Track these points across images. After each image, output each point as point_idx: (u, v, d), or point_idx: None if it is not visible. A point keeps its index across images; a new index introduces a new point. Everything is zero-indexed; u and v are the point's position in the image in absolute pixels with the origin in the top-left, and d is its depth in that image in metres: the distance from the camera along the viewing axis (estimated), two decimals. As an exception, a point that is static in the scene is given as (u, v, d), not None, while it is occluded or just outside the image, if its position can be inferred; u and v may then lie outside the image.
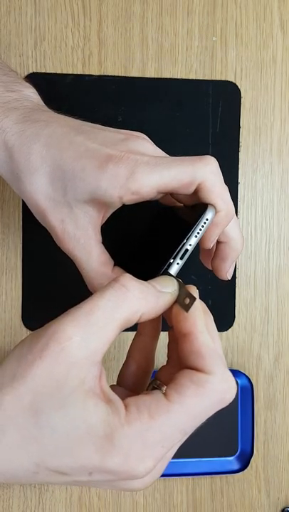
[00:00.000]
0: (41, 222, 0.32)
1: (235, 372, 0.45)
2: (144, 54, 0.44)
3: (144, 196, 0.29)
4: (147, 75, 0.44)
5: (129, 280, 0.25)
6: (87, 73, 0.43)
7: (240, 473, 0.46)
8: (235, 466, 0.46)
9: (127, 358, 0.30)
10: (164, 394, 0.25)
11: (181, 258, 0.30)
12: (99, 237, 0.32)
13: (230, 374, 0.25)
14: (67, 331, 0.24)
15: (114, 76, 0.43)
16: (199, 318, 0.26)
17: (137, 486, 0.25)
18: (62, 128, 0.31)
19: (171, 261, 0.29)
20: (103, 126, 0.33)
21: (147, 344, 0.30)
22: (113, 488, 0.26)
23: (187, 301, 0.27)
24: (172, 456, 0.27)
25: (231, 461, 0.46)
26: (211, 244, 0.32)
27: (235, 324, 0.46)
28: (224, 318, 0.45)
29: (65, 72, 0.43)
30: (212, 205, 0.30)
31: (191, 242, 0.30)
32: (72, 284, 0.44)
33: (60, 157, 0.30)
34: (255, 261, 0.46)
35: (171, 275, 0.29)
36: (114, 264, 0.33)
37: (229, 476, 0.46)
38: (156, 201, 0.33)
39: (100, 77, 0.43)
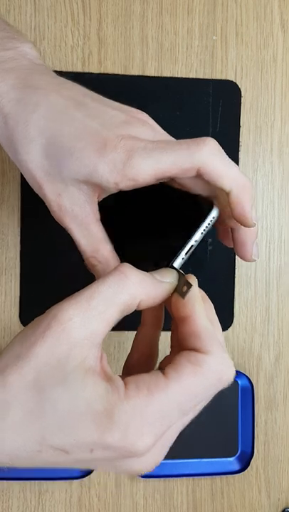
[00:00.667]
0: (37, 192, 0.32)
1: (236, 373, 0.45)
2: (144, 53, 0.44)
3: (142, 183, 0.29)
4: (147, 74, 0.44)
5: (128, 268, 0.26)
6: (87, 72, 0.43)
7: (241, 473, 0.45)
8: (236, 466, 0.45)
9: (131, 349, 0.31)
10: (163, 372, 0.25)
11: (186, 253, 0.30)
12: (97, 215, 0.32)
13: (228, 357, 0.26)
14: (68, 312, 0.25)
15: (114, 74, 0.43)
16: (197, 303, 0.27)
17: (137, 467, 0.26)
18: (63, 100, 0.30)
19: (177, 256, 0.30)
20: (106, 100, 0.31)
21: (150, 335, 0.31)
22: (115, 469, 0.26)
23: (185, 288, 0.27)
24: (174, 438, 0.27)
25: (232, 462, 0.46)
26: (250, 222, 0.30)
27: (235, 324, 0.46)
28: (223, 318, 0.45)
29: (64, 71, 0.43)
30: (210, 199, 0.30)
31: (196, 238, 0.30)
32: (71, 284, 0.44)
33: (59, 132, 0.29)
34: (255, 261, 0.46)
35: (174, 268, 0.29)
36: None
37: (229, 476, 0.46)
38: (160, 185, 0.33)
39: (100, 75, 0.43)
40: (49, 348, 0.24)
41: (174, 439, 0.27)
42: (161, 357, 0.45)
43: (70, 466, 0.26)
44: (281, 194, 0.46)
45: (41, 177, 0.31)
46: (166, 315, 0.45)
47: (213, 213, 0.30)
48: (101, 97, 0.32)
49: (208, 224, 0.31)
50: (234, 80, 0.44)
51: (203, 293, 0.29)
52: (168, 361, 0.27)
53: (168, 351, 0.44)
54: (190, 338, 0.26)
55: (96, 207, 0.32)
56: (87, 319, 0.25)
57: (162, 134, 0.32)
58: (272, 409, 0.46)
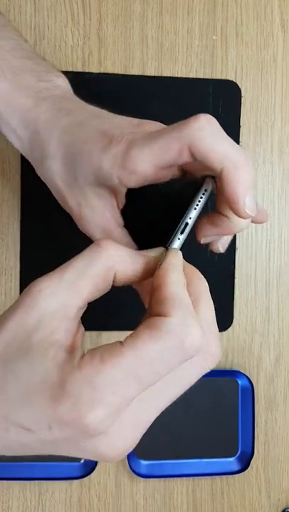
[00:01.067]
0: (63, 206, 0.33)
1: (236, 373, 0.45)
2: (144, 53, 0.44)
3: (143, 175, 0.28)
4: (147, 74, 0.44)
5: (106, 241, 0.26)
6: (87, 72, 0.43)
7: (241, 474, 0.45)
8: (236, 466, 0.45)
9: None
10: (121, 341, 0.24)
11: (181, 232, 0.29)
12: (119, 221, 0.32)
13: (194, 320, 0.23)
14: (39, 285, 0.24)
15: (114, 74, 0.43)
16: (171, 270, 0.26)
17: (103, 448, 0.24)
18: (82, 115, 0.32)
19: (172, 236, 0.29)
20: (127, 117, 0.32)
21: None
22: (81, 453, 0.24)
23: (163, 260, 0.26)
24: (150, 419, 0.26)
25: (232, 462, 0.46)
26: (241, 210, 0.27)
27: (235, 324, 0.46)
28: (223, 318, 0.45)
29: (64, 71, 0.43)
30: (210, 175, 0.29)
31: (191, 215, 0.29)
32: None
33: (73, 141, 0.30)
34: (255, 261, 0.46)
35: (166, 247, 0.28)
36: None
37: (229, 476, 0.46)
38: (175, 182, 0.32)
39: (100, 75, 0.43)
40: (18, 321, 0.24)
41: (149, 419, 0.26)
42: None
43: (39, 450, 0.24)
44: (281, 194, 0.46)
45: (63, 188, 0.32)
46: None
47: (205, 186, 0.29)
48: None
49: (201, 197, 0.29)
50: (234, 80, 0.44)
51: (195, 270, 0.28)
52: None
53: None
54: (156, 305, 0.25)
55: (117, 213, 0.32)
56: (58, 291, 0.24)
57: None
58: (272, 409, 0.46)
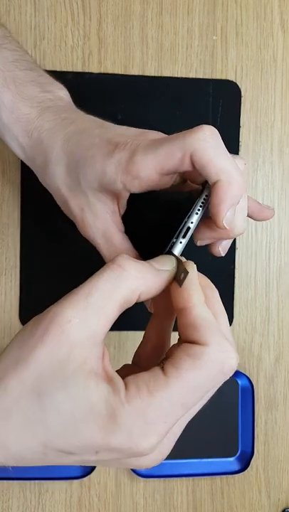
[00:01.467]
0: (65, 212, 0.33)
1: (236, 373, 0.45)
2: (144, 53, 0.44)
3: (146, 180, 0.28)
4: (147, 74, 0.44)
5: (126, 260, 0.26)
6: (87, 72, 0.43)
7: (241, 473, 0.45)
8: (236, 466, 0.45)
9: (143, 338, 0.31)
10: (162, 369, 0.25)
11: (183, 237, 0.29)
12: (120, 227, 0.33)
13: (229, 344, 0.25)
14: (67, 313, 0.24)
15: (114, 74, 0.43)
16: (194, 291, 0.26)
17: (146, 462, 0.26)
18: (85, 123, 0.32)
19: (174, 240, 0.29)
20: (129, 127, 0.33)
21: (162, 325, 0.30)
22: (123, 466, 0.26)
23: (182, 276, 0.26)
24: (181, 431, 0.27)
25: (232, 462, 0.46)
26: (220, 221, 0.28)
27: (235, 324, 0.46)
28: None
29: (64, 71, 0.43)
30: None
31: (193, 219, 0.29)
32: (70, 284, 0.44)
33: (77, 148, 0.31)
34: (255, 261, 0.46)
35: (173, 254, 0.29)
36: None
37: (229, 476, 0.46)
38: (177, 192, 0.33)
39: (100, 75, 0.43)
40: (49, 352, 0.24)
41: (180, 432, 0.27)
42: (161, 357, 0.45)
43: (77, 464, 0.26)
44: (281, 194, 0.46)
45: (66, 193, 0.32)
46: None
47: (206, 191, 0.30)
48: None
49: (203, 203, 0.30)
50: (234, 80, 0.44)
51: (206, 279, 0.28)
52: (170, 353, 0.26)
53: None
54: (188, 329, 0.26)
55: (118, 218, 0.32)
56: (87, 318, 0.24)
57: None
58: (272, 409, 0.46)
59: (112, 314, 0.25)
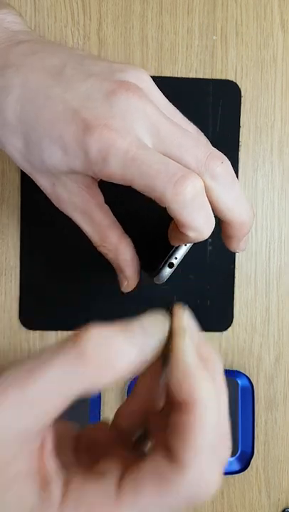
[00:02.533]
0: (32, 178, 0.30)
1: (236, 373, 0.45)
2: (144, 53, 0.44)
3: (123, 184, 0.26)
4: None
5: (90, 343, 0.20)
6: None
7: (241, 474, 0.45)
8: (236, 466, 0.45)
9: (131, 394, 0.25)
10: (119, 486, 0.19)
11: (169, 267, 0.29)
12: (99, 199, 0.30)
13: (212, 467, 0.19)
14: None
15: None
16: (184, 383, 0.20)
17: None
18: (38, 74, 0.26)
19: (161, 267, 0.29)
20: (89, 61, 0.28)
21: (150, 383, 0.24)
22: None
23: (166, 358, 0.21)
24: None
25: (232, 462, 0.46)
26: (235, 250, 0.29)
27: (235, 324, 0.46)
28: (223, 318, 0.45)
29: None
30: None
31: (178, 255, 0.30)
32: (70, 285, 0.44)
33: (36, 118, 0.26)
34: (255, 261, 0.46)
35: (168, 310, 0.24)
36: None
37: (229, 476, 0.46)
38: None
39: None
40: None
41: None
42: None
43: None
44: (281, 194, 0.46)
45: (28, 168, 0.29)
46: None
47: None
48: (85, 57, 0.28)
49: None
50: (234, 80, 0.44)
51: (208, 348, 0.23)
52: (158, 419, 0.21)
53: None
54: (169, 434, 0.20)
55: (96, 190, 0.29)
56: (18, 416, 0.19)
57: (155, 110, 0.27)
58: (272, 409, 0.46)
59: (56, 410, 0.19)
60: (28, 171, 0.29)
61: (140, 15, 0.44)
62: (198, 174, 0.26)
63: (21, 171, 0.42)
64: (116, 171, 0.25)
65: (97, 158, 0.25)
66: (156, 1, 0.44)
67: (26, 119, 0.26)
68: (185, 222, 0.26)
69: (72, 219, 0.30)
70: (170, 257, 0.30)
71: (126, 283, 0.33)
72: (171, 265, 0.30)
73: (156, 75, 0.44)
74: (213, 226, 0.27)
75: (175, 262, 0.30)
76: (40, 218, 0.43)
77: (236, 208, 0.28)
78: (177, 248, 0.30)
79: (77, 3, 0.43)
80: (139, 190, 0.26)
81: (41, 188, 0.30)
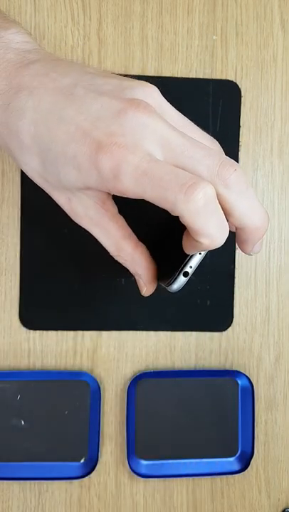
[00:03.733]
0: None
1: (236, 373, 0.45)
2: (144, 53, 0.44)
3: (135, 197, 0.27)
4: (147, 74, 0.44)
5: None
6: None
7: (241, 474, 0.45)
8: (236, 466, 0.45)
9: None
10: None
11: (184, 276, 0.30)
12: (113, 211, 0.31)
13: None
14: None
15: (113, 75, 0.43)
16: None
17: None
18: (50, 96, 0.27)
19: (175, 277, 0.30)
20: (99, 80, 0.28)
21: None
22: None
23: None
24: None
25: (232, 462, 0.46)
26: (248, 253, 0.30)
27: (235, 324, 0.46)
28: (223, 318, 0.45)
29: (64, 71, 0.43)
30: None
31: (192, 264, 0.30)
32: (70, 285, 0.44)
33: (50, 138, 0.27)
34: (255, 261, 0.46)
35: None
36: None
37: (229, 476, 0.46)
38: None
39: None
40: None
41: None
42: (162, 358, 0.45)
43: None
44: (281, 194, 0.46)
45: (45, 186, 0.30)
46: (158, 314, 0.45)
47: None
48: (96, 75, 0.29)
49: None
50: (234, 80, 0.44)
51: None
52: None
53: (168, 351, 0.44)
54: None
55: (110, 203, 0.31)
56: None
57: (165, 124, 0.27)
58: (272, 409, 0.46)
59: None
60: (44, 187, 0.30)
61: (140, 15, 0.44)
62: (211, 184, 0.26)
63: (21, 171, 0.42)
64: (128, 187, 0.26)
65: (110, 176, 0.26)
66: (156, 1, 0.44)
67: (41, 141, 0.28)
68: (198, 229, 0.26)
69: (89, 231, 0.31)
70: (185, 265, 0.30)
71: (145, 289, 0.34)
72: (186, 274, 0.30)
73: (156, 75, 0.44)
74: (228, 233, 0.27)
75: (190, 270, 0.30)
76: (40, 218, 0.43)
77: (251, 214, 0.28)
78: (192, 257, 0.30)
79: (77, 3, 0.43)
80: (152, 202, 0.26)
81: (58, 203, 0.31)
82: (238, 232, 0.30)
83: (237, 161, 0.45)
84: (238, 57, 0.45)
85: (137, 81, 0.29)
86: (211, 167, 0.27)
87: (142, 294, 0.34)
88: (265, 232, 0.30)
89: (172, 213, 0.26)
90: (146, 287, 0.34)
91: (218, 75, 0.44)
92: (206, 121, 0.44)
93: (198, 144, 0.28)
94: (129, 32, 0.43)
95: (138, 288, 0.34)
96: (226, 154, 0.28)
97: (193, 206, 0.25)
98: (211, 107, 0.44)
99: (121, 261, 0.32)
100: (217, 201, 0.26)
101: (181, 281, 0.30)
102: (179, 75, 0.44)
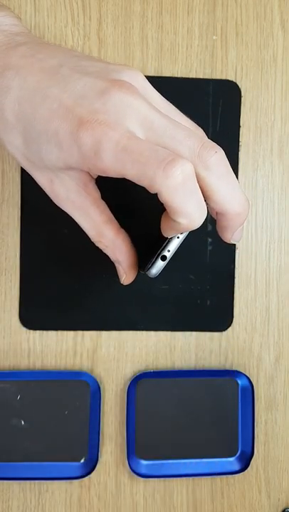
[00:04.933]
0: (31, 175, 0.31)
1: (236, 373, 0.45)
2: (144, 53, 0.44)
3: (116, 176, 0.27)
4: (147, 74, 0.44)
5: None
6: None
7: (241, 474, 0.45)
8: (236, 466, 0.45)
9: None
10: None
11: (162, 259, 0.29)
12: (95, 195, 0.30)
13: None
14: None
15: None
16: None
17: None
18: (35, 75, 0.28)
19: (152, 262, 0.29)
20: (85, 62, 0.29)
21: None
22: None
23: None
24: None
25: (232, 462, 0.46)
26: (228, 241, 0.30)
27: (235, 324, 0.46)
28: (223, 318, 0.45)
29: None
30: None
31: (170, 248, 0.30)
32: (70, 285, 0.44)
33: (33, 116, 0.27)
34: (255, 261, 0.46)
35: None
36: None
37: (229, 476, 0.46)
38: None
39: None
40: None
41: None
42: (162, 358, 0.45)
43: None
44: (281, 194, 0.46)
45: (28, 166, 0.30)
46: (158, 314, 0.45)
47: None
48: (83, 58, 0.29)
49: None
50: (234, 80, 0.44)
51: None
52: None
53: (168, 351, 0.45)
54: None
55: (92, 187, 0.30)
56: None
57: (148, 105, 0.27)
58: (272, 409, 0.46)
59: None
60: (27, 168, 0.30)
61: (140, 15, 0.44)
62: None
63: (21, 170, 0.42)
64: (108, 164, 0.26)
65: (90, 153, 0.26)
66: (156, 1, 0.44)
67: (24, 118, 0.28)
68: (176, 207, 0.26)
69: (70, 215, 0.31)
70: (163, 249, 0.30)
71: (124, 276, 0.34)
72: (164, 258, 0.30)
73: (156, 75, 0.44)
74: (205, 214, 0.27)
75: (168, 254, 0.30)
76: (40, 218, 0.43)
77: (231, 199, 0.28)
78: (170, 241, 0.30)
79: (77, 3, 0.43)
80: (131, 179, 0.26)
81: (40, 184, 0.31)
82: (218, 218, 0.29)
83: (237, 161, 0.45)
84: (238, 57, 0.45)
85: (123, 65, 0.29)
86: (192, 148, 0.27)
87: (121, 281, 0.34)
88: (245, 219, 0.29)
89: (151, 190, 0.26)
90: (126, 275, 0.33)
91: (218, 75, 0.44)
92: (206, 121, 0.44)
93: (181, 125, 0.28)
94: (129, 32, 0.43)
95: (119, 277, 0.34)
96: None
97: (172, 182, 0.25)
98: (211, 107, 0.44)
99: (101, 247, 0.32)
100: (196, 180, 0.26)
101: (159, 265, 0.30)
102: (179, 75, 0.44)
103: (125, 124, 0.26)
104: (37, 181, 0.31)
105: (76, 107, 0.26)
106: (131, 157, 0.25)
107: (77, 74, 0.28)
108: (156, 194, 0.26)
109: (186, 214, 0.26)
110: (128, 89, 0.27)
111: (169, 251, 0.30)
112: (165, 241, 0.30)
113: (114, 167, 0.26)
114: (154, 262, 0.30)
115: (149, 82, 0.30)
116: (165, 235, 0.29)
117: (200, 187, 0.27)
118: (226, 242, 0.31)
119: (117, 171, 0.26)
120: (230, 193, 0.28)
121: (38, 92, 0.27)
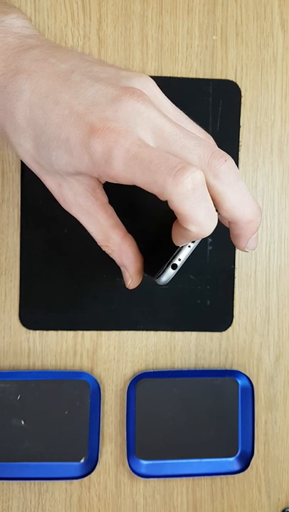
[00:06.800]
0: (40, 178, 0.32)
1: (236, 373, 0.45)
2: (144, 53, 0.44)
3: (126, 183, 0.27)
4: (147, 74, 0.44)
5: None
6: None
7: (241, 474, 0.45)
8: (236, 466, 0.45)
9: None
10: None
11: (172, 268, 0.29)
12: (103, 199, 0.31)
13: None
14: None
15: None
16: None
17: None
18: (47, 80, 0.28)
19: (163, 269, 0.29)
20: (96, 67, 0.29)
21: None
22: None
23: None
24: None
25: (232, 462, 0.46)
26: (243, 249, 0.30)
27: (235, 324, 0.46)
28: (223, 318, 0.45)
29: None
30: None
31: (181, 257, 0.30)
32: (70, 285, 0.44)
33: (45, 121, 0.27)
34: (255, 261, 0.46)
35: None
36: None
37: (229, 476, 0.46)
38: None
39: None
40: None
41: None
42: (162, 358, 0.45)
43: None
44: (281, 194, 0.46)
45: (37, 170, 0.30)
46: (158, 314, 0.45)
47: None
48: (94, 63, 0.29)
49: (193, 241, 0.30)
50: (234, 80, 0.44)
51: None
52: None
53: (168, 351, 0.45)
54: None
55: (100, 192, 0.31)
56: None
57: (159, 113, 0.28)
58: (272, 409, 0.46)
59: None
60: (36, 171, 0.30)
61: (140, 15, 0.44)
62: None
63: (21, 171, 0.42)
64: (119, 171, 0.26)
65: (101, 160, 0.26)
66: (156, 1, 0.44)
67: (35, 123, 0.28)
68: (186, 214, 0.26)
69: (77, 219, 0.31)
70: (174, 258, 0.30)
71: (130, 281, 0.34)
72: (174, 266, 0.30)
73: (156, 75, 0.44)
74: (216, 222, 0.27)
75: (178, 263, 0.30)
76: (40, 218, 0.43)
77: (242, 207, 0.28)
78: (181, 249, 0.30)
79: (77, 3, 0.43)
80: (142, 186, 0.26)
81: (48, 188, 0.31)
82: (230, 227, 0.29)
83: (237, 161, 0.45)
84: (238, 57, 0.45)
85: (134, 72, 0.29)
86: (202, 157, 0.27)
87: (127, 286, 0.34)
88: (258, 227, 0.29)
89: (161, 198, 0.26)
90: (132, 279, 0.33)
91: (218, 75, 0.44)
92: (206, 121, 0.44)
93: (191, 134, 0.28)
94: (129, 32, 0.43)
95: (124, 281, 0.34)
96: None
97: (182, 189, 0.25)
98: (211, 106, 0.44)
99: (108, 251, 0.32)
100: (206, 188, 0.26)
101: (169, 273, 0.30)
102: (179, 75, 0.44)
103: (136, 132, 0.26)
104: (45, 185, 0.31)
105: (87, 114, 0.27)
106: (141, 165, 0.26)
107: (88, 80, 0.28)
108: (166, 201, 0.26)
109: (197, 221, 0.26)
110: (139, 96, 0.27)
111: (179, 260, 0.30)
112: (176, 249, 0.30)
113: (124, 175, 0.26)
114: (164, 270, 0.30)
115: (160, 89, 0.30)
116: (176, 244, 0.29)
117: (210, 196, 0.27)
118: (239, 249, 0.31)
119: (128, 178, 0.26)
120: (240, 201, 0.28)
121: (49, 97, 0.27)
